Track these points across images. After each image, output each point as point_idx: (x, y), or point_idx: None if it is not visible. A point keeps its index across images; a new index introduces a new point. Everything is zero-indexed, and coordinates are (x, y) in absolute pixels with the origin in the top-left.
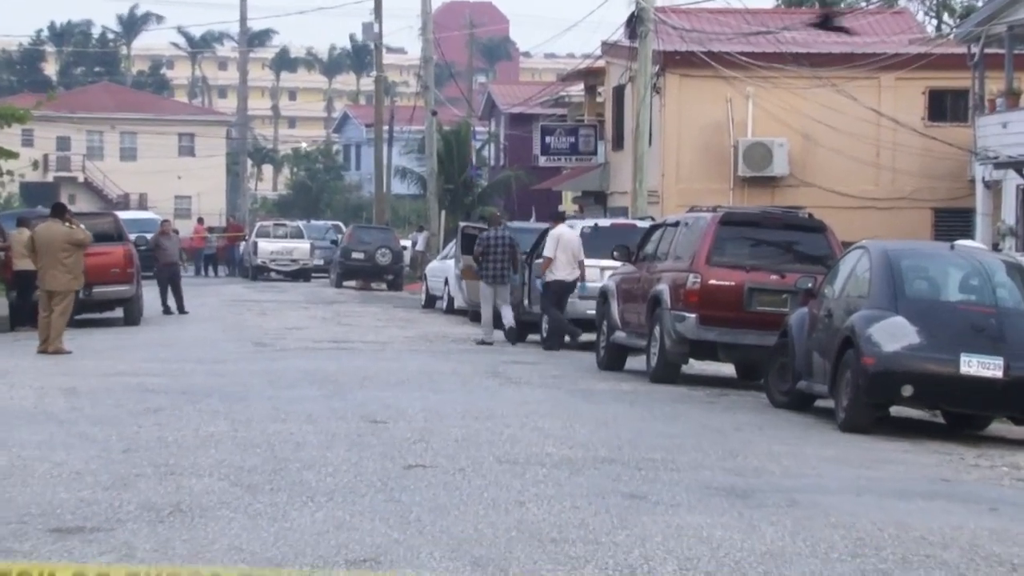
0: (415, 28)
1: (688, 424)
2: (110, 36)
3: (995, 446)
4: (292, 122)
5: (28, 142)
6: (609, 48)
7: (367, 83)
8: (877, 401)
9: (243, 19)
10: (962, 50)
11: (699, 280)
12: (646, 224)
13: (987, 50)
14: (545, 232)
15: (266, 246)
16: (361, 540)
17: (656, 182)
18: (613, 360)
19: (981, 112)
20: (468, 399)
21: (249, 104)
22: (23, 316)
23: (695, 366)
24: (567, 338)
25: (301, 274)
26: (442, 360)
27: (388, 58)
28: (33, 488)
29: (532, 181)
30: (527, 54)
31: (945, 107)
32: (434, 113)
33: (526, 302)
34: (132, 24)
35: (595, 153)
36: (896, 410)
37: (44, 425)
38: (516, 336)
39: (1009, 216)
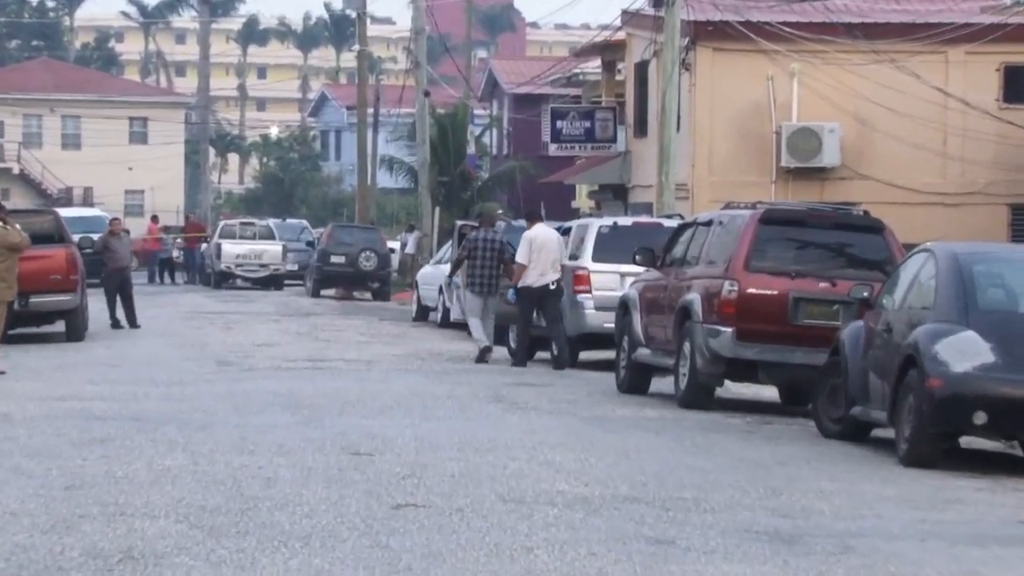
0: None
1: (723, 457)
2: (50, 4)
3: None
4: (262, 104)
5: None
6: (630, 18)
7: (348, 59)
8: (945, 430)
9: None
10: None
11: (736, 288)
12: (673, 223)
13: None
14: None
15: (231, 249)
16: None
17: (685, 174)
18: (635, 382)
19: None
20: (466, 427)
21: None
22: None
23: (731, 389)
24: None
25: (272, 281)
26: (436, 382)
27: (373, 29)
28: None
29: (540, 173)
30: (534, 25)
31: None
32: (426, 94)
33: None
34: None
35: (614, 140)
36: (967, 441)
37: None
38: (488, 356)
39: None
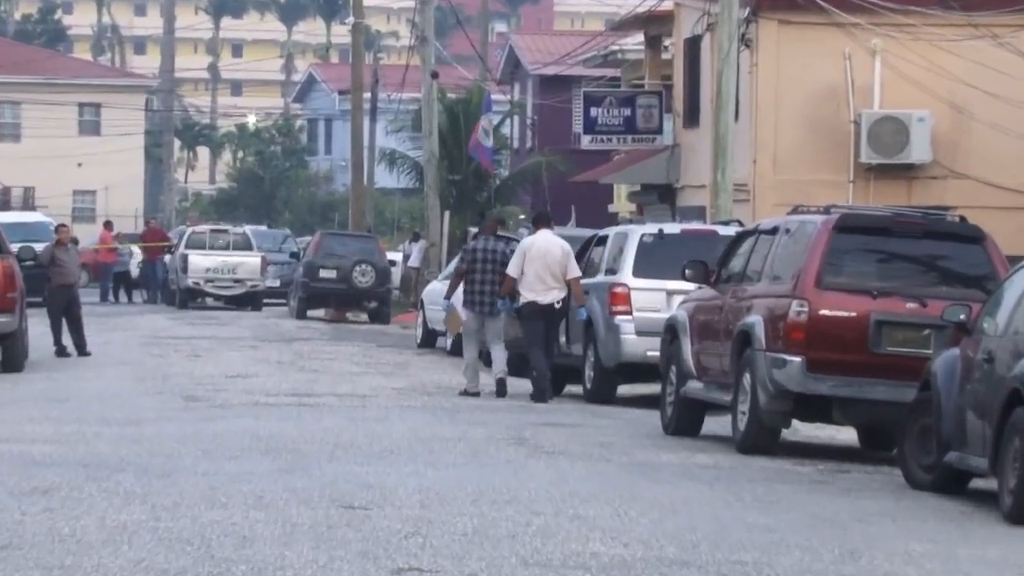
0: None
1: (791, 513)
2: None
3: None
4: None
5: None
6: None
7: (341, 33)
8: None
9: None
10: None
11: (806, 309)
12: (731, 231)
13: None
14: (588, 243)
15: (200, 261)
16: None
17: (745, 172)
18: (684, 421)
19: None
20: (481, 476)
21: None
22: None
23: (800, 430)
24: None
25: (249, 300)
26: (445, 421)
27: None
28: None
29: (571, 170)
30: None
31: None
32: (434, 75)
33: (563, 340)
34: None
35: (659, 132)
36: None
37: None
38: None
39: None
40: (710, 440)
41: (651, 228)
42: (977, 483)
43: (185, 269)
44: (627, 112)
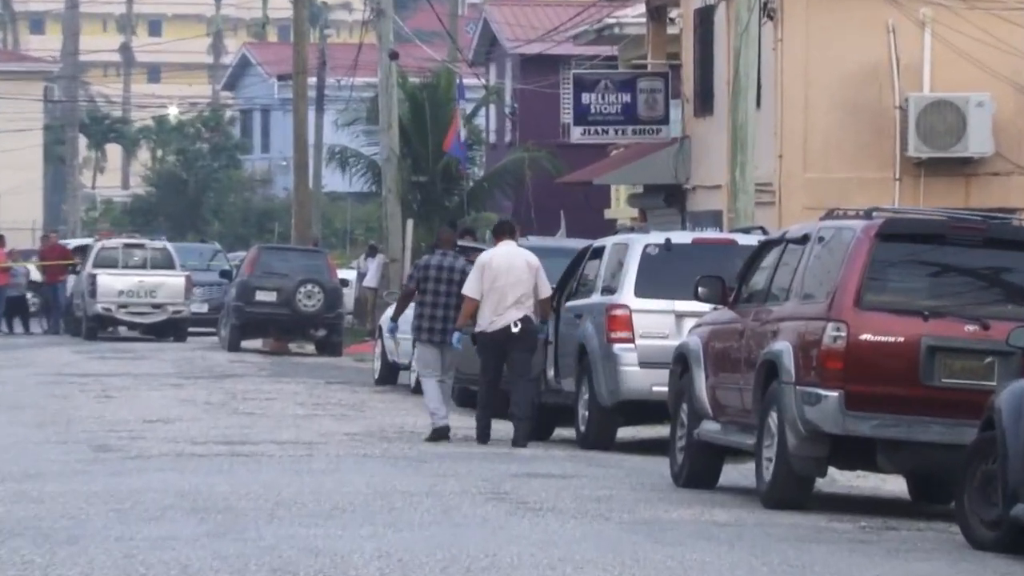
0: None
1: None
2: None
3: None
4: (155, 73)
5: None
6: None
7: (280, 6)
8: None
9: None
10: None
11: (844, 334)
12: (753, 240)
13: None
14: (581, 256)
15: (111, 282)
16: None
17: (769, 169)
18: (699, 470)
19: None
20: (453, 538)
21: (83, 43)
22: None
23: (838, 479)
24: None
25: (170, 329)
26: (410, 472)
27: None
28: None
29: (559, 169)
30: None
31: None
32: (394, 56)
33: (551, 373)
34: None
35: (665, 122)
36: None
37: None
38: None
39: None
40: (729, 492)
41: (656, 238)
42: None
43: (93, 292)
44: (626, 98)
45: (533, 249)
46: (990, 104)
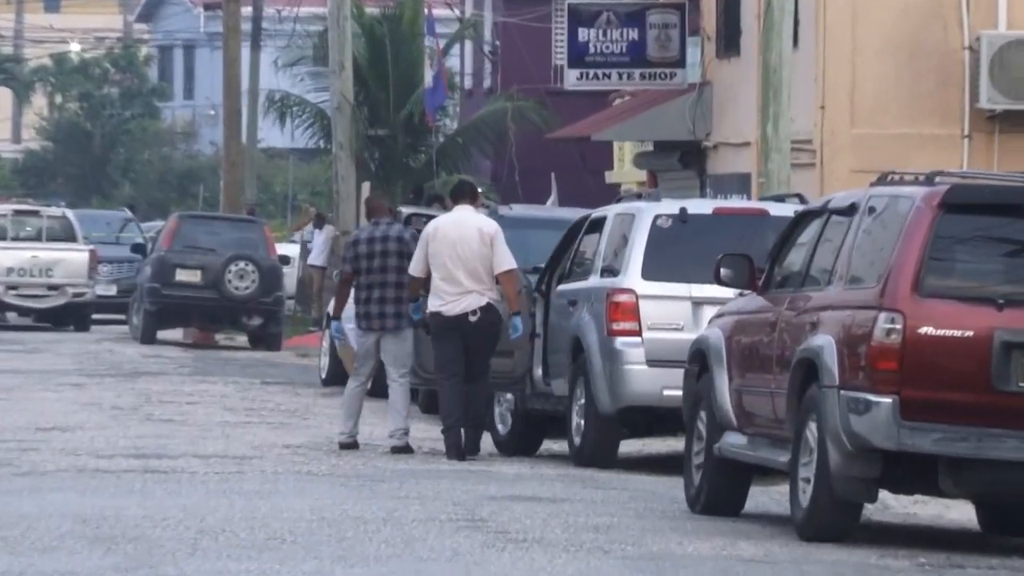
0: None
1: None
2: None
3: None
4: (53, 1)
5: None
6: None
7: None
8: None
9: None
10: None
11: (900, 326)
12: (788, 211)
13: None
14: (576, 229)
15: None
16: None
17: (809, 123)
18: (720, 493)
19: None
20: None
21: None
22: None
23: (891, 505)
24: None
25: (71, 315)
26: (365, 494)
27: None
28: None
29: (551, 122)
30: None
31: None
32: None
33: (538, 373)
34: None
35: (680, 64)
36: None
37: None
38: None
39: None
40: (758, 521)
41: (669, 207)
42: None
43: None
44: (633, 35)
45: (517, 221)
46: None
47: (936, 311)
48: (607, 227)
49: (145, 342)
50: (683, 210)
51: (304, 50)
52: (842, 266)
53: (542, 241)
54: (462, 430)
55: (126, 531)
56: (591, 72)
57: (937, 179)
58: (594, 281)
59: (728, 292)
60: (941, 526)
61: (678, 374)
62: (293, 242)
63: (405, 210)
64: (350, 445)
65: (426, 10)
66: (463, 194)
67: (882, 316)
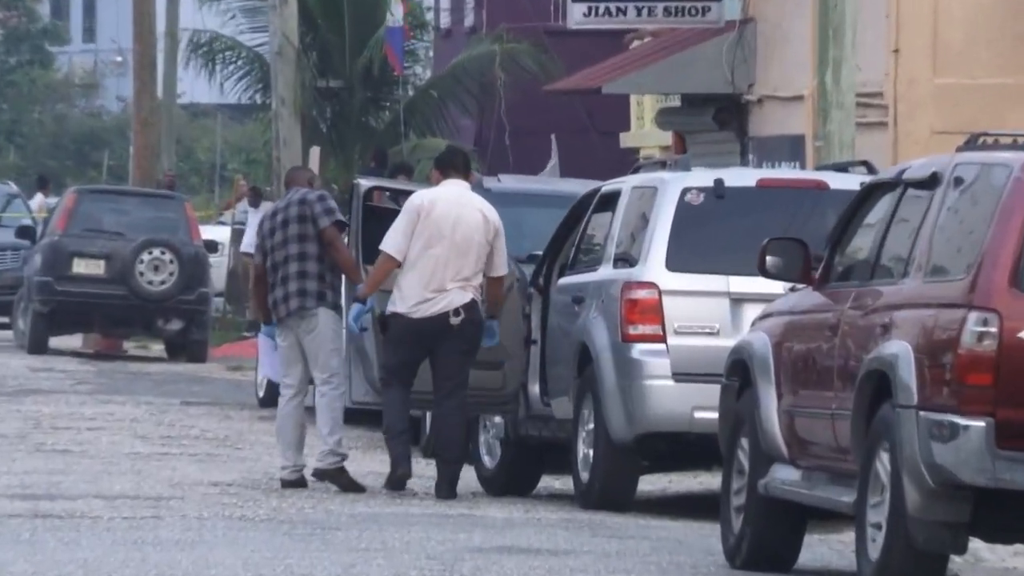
0: None
1: None
2: None
3: None
4: None
5: None
6: None
7: None
8: None
9: None
10: None
11: (995, 328)
12: (852, 183)
13: None
14: (581, 207)
15: None
16: None
17: (879, 71)
18: (767, 542)
19: None
20: None
21: None
22: None
23: (984, 557)
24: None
25: None
26: (315, 545)
27: None
28: None
29: (550, 70)
30: None
31: None
32: None
33: (534, 390)
34: None
35: None
36: None
37: None
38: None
39: None
40: None
41: (701, 178)
42: None
43: None
44: None
45: (507, 196)
46: None
47: None
48: (622, 204)
49: (34, 352)
50: (718, 182)
51: None
52: (921, 253)
53: (539, 222)
54: (408, 450)
55: None
56: (601, 6)
57: None
58: (606, 272)
59: (776, 286)
60: None
61: (713, 391)
62: (222, 223)
63: (364, 182)
64: (295, 482)
65: None
66: (453, 165)
67: (972, 317)
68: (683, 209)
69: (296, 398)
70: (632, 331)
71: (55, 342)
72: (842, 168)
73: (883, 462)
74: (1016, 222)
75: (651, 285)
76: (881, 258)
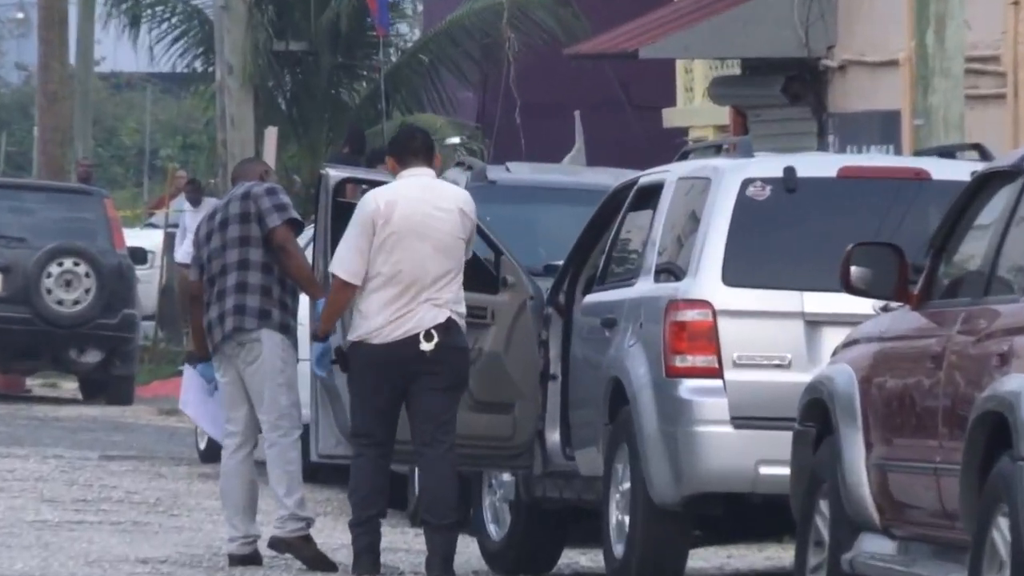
0: None
1: None
2: None
3: None
4: None
5: None
6: None
7: None
8: None
9: None
10: None
11: None
12: (962, 172)
13: None
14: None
15: None
16: None
17: (995, 30)
18: None
19: None
20: None
21: None
22: None
23: None
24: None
25: None
26: None
27: None
28: None
29: (573, 29)
30: None
31: None
32: None
33: (553, 438)
34: None
35: None
36: None
37: None
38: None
39: None
40: None
41: (766, 166)
42: None
43: None
44: None
45: (518, 190)
46: None
47: None
48: (665, 200)
49: None
50: (789, 171)
51: None
52: None
53: (558, 223)
54: (378, 524)
55: None
56: None
57: None
58: (645, 288)
59: (864, 305)
60: None
61: (783, 440)
62: (153, 226)
63: (334, 172)
64: (246, 557)
65: None
66: (412, 150)
67: None
68: (744, 206)
69: (242, 450)
70: (679, 363)
71: None
72: (948, 153)
73: (1001, 530)
74: None
75: (703, 304)
76: (998, 268)
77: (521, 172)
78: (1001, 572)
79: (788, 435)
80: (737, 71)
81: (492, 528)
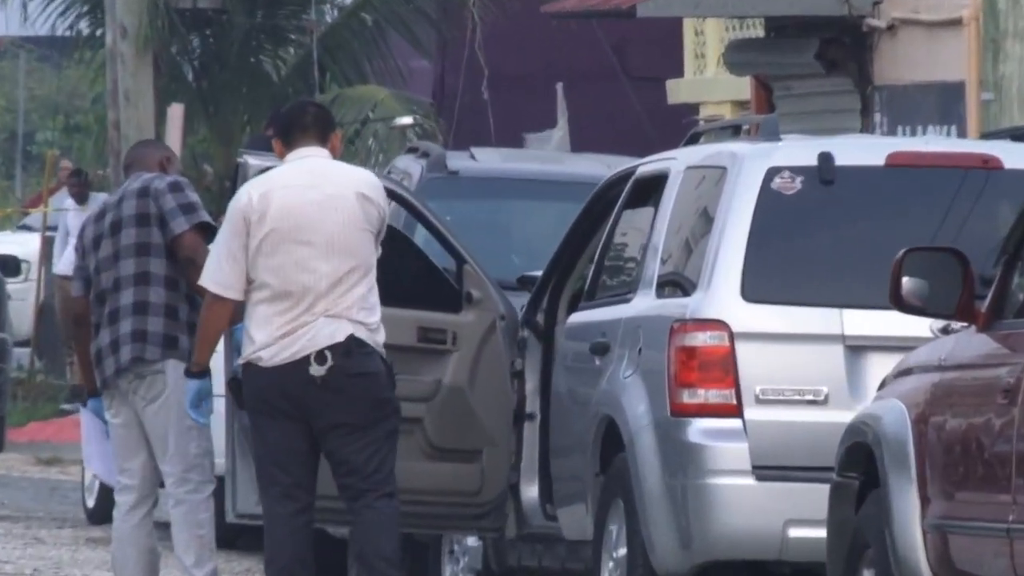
0: None
1: None
2: None
3: None
4: None
5: None
6: None
7: None
8: None
9: None
10: None
11: None
12: None
13: None
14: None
15: None
16: None
17: None
18: None
19: None
20: None
21: None
22: None
23: None
24: None
25: None
26: None
27: None
28: None
29: None
30: None
31: None
32: None
33: (530, 493)
34: None
35: None
36: None
37: None
38: None
39: None
40: None
41: (795, 152)
42: None
43: None
44: None
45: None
46: None
47: None
48: (670, 194)
49: None
50: (825, 158)
51: None
52: None
53: (536, 224)
54: None
55: None
56: None
57: None
58: (644, 304)
59: (919, 325)
60: None
61: (819, 495)
62: (28, 229)
63: (254, 161)
64: None
65: None
66: (301, 125)
67: None
68: (769, 202)
69: (139, 509)
70: (688, 398)
71: None
72: (1021, 135)
73: None
74: None
75: (718, 324)
76: None
77: (489, 160)
78: None
79: (824, 489)
80: (760, 33)
81: None
